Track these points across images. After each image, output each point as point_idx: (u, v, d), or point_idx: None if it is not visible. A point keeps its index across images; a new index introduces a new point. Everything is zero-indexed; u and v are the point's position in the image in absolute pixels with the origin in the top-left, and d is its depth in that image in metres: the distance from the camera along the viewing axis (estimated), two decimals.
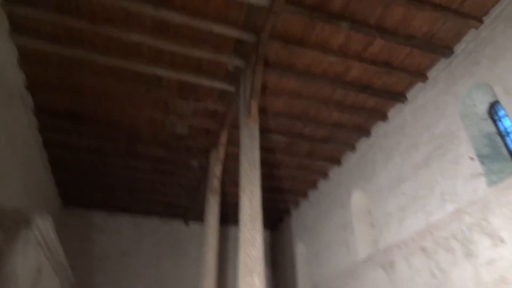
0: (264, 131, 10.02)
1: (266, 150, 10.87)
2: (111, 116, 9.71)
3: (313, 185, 13.32)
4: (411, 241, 8.58)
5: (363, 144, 11.01)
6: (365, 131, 10.66)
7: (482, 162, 7.29)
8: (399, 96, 9.35)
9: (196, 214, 14.47)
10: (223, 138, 10.25)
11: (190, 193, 13.44)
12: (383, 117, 10.02)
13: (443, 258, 7.67)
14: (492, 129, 7.69)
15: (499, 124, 7.64)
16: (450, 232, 7.61)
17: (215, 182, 10.38)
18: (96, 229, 14.33)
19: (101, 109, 9.48)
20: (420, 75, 8.72)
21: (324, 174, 12.70)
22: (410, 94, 9.26)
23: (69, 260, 9.07)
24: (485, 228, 6.90)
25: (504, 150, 7.42)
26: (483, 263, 6.79)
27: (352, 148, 11.33)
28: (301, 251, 14.03)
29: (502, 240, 6.55)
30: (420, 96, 8.95)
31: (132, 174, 12.32)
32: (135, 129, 10.26)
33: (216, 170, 10.41)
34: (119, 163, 11.74)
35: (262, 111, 9.31)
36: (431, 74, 8.66)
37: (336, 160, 12.00)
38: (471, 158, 7.40)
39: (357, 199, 11.16)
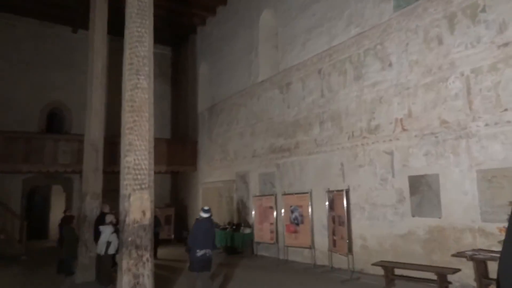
0: None
1: None
2: None
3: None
4: (310, 63, 8.72)
5: None
6: None
7: None
8: None
9: (86, 20, 12.47)
10: None
11: None
12: None
13: (335, 80, 8.05)
14: None
15: None
16: (347, 55, 7.79)
17: None
18: None
19: None
20: None
21: None
22: None
23: None
24: (378, 52, 7.15)
25: None
26: (368, 85, 7.29)
27: None
28: (204, 71, 13.74)
29: (390, 64, 6.91)
30: None
31: None
32: None
33: None
34: None
35: None
36: None
37: None
38: None
39: (266, 19, 10.56)
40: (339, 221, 7.10)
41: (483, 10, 5.57)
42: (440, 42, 6.12)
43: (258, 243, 9.58)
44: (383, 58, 7.06)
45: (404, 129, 6.59)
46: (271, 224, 9.15)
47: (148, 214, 4.30)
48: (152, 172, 4.35)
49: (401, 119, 6.65)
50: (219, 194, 12.15)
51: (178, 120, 15.34)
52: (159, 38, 14.31)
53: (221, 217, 11.59)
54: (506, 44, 5.29)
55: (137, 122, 4.35)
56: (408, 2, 6.90)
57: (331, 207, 7.52)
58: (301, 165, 8.80)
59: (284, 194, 8.94)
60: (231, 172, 11.45)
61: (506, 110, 5.23)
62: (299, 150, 8.90)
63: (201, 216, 5.53)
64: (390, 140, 6.80)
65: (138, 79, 4.83)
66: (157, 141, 12.84)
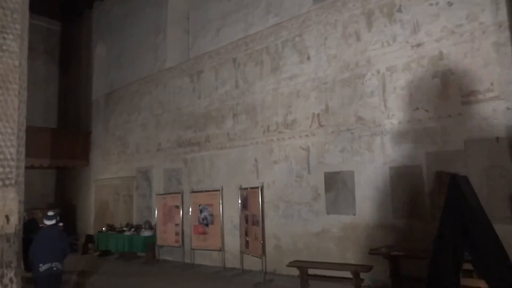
0: None
1: None
2: None
3: None
4: (225, 51, 8.11)
5: None
6: None
7: None
8: None
9: None
10: None
11: None
12: None
13: (251, 70, 7.59)
14: None
15: None
16: (265, 45, 7.39)
17: None
18: None
19: None
20: None
21: None
22: None
23: None
24: (297, 45, 6.89)
25: None
26: (286, 78, 6.99)
27: None
28: (101, 52, 12.03)
29: (308, 57, 6.70)
30: None
31: None
32: None
33: None
34: None
35: None
36: None
37: None
38: None
39: None
40: (253, 220, 6.66)
41: (399, 10, 5.67)
42: (358, 38, 6.09)
43: (161, 246, 8.62)
44: (301, 50, 6.82)
45: (320, 125, 6.43)
46: (177, 225, 8.29)
47: (14, 219, 3.15)
48: (23, 165, 3.22)
49: (318, 115, 6.48)
50: (116, 192, 10.74)
51: (68, 107, 13.25)
52: (45, 9, 12.24)
53: (117, 219, 10.24)
54: (418, 45, 5.43)
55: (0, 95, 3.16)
56: None
57: (244, 205, 7.04)
58: (212, 161, 8.14)
59: (192, 192, 8.17)
60: (131, 167, 10.19)
61: (417, 108, 5.38)
62: (210, 144, 8.22)
63: (45, 224, 4.74)
64: (307, 135, 6.59)
65: (4, 38, 3.57)
66: (39, 130, 11.00)
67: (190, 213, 8.03)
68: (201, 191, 7.96)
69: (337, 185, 6.14)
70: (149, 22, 10.11)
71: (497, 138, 4.67)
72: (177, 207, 8.34)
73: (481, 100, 4.85)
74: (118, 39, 11.28)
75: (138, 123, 10.20)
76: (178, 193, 8.47)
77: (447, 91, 5.14)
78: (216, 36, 8.34)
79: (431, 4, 5.35)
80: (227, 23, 8.13)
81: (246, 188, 7.05)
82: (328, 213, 6.20)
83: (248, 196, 6.92)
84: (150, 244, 8.71)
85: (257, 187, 6.68)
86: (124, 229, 9.54)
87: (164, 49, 9.65)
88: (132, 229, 9.25)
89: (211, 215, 7.61)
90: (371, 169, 5.78)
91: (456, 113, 5.03)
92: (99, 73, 12.03)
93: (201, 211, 7.78)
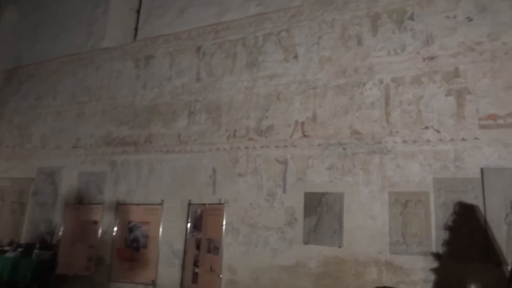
0: None
1: None
2: None
3: None
4: (188, 37, 6.72)
5: None
6: None
7: None
8: None
9: None
10: None
11: None
12: None
13: (220, 62, 6.31)
14: None
15: None
16: (241, 36, 6.23)
17: None
18: None
19: None
20: None
21: None
22: None
23: None
24: (283, 40, 5.88)
25: None
26: (264, 76, 5.87)
27: None
28: (10, 18, 9.46)
29: (296, 56, 5.72)
30: None
31: None
32: None
33: None
34: None
35: None
36: None
37: None
38: None
39: None
40: (209, 247, 5.14)
41: (411, 18, 5.08)
42: (360, 42, 5.33)
43: (62, 276, 6.35)
44: (288, 47, 5.81)
45: (305, 135, 5.37)
46: (91, 247, 6.22)
47: None
48: None
49: (302, 123, 5.43)
50: (0, 197, 8.05)
51: None
52: None
53: None
54: (432, 58, 4.84)
55: None
56: None
57: (196, 226, 5.47)
58: (152, 166, 6.42)
59: (121, 204, 6.28)
60: (31, 166, 7.76)
61: (426, 127, 4.68)
62: (151, 146, 6.53)
63: None
64: (286, 146, 5.46)
65: None
66: None
67: (114, 232, 6.08)
68: (134, 204, 6.13)
69: (320, 208, 5.04)
70: None
71: None
72: (95, 222, 6.29)
73: (502, 125, 4.34)
74: (39, 5, 8.98)
75: (50, 110, 7.93)
76: (99, 204, 6.45)
77: (462, 111, 4.56)
78: (179, 17, 6.92)
79: (448, 17, 4.86)
80: (196, 4, 6.81)
81: (202, 204, 5.52)
82: (305, 242, 5.02)
83: (204, 215, 5.39)
84: (45, 271, 6.37)
85: (222, 204, 5.23)
86: (7, 248, 6.99)
87: (103, 24, 7.81)
88: (20, 249, 6.77)
89: (145, 236, 5.81)
90: (366, 192, 4.84)
91: (472, 137, 4.44)
92: (3, 43, 9.37)
93: (131, 230, 5.91)
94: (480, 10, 4.72)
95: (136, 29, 7.72)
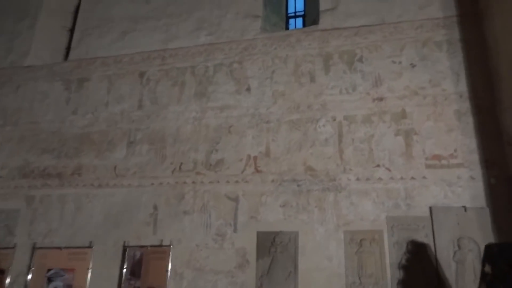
0: None
1: None
2: None
3: None
4: (130, 61, 6.21)
5: None
6: None
7: (265, 6, 6.09)
8: None
9: None
10: None
11: None
12: None
13: (166, 91, 5.89)
14: None
15: None
16: (190, 64, 5.93)
17: None
18: None
19: None
20: None
21: None
22: None
23: None
24: (235, 72, 5.72)
25: (283, 9, 6.58)
26: (215, 107, 5.59)
27: None
28: None
29: (248, 89, 5.57)
30: None
31: None
32: None
33: None
34: None
35: None
36: None
37: None
38: None
39: None
40: None
41: (360, 60, 5.30)
42: (313, 79, 5.39)
43: None
44: (240, 79, 5.65)
45: (258, 170, 5.13)
46: None
47: None
48: None
49: (255, 157, 5.20)
50: None
51: None
52: None
53: None
54: (380, 99, 5.05)
55: None
56: (272, 29, 6.08)
57: (134, 273, 4.75)
58: (80, 203, 5.57)
59: (37, 247, 5.27)
60: None
61: (378, 166, 4.77)
62: (80, 179, 5.71)
63: None
64: (237, 181, 5.14)
65: None
66: None
67: (28, 281, 5.02)
68: (56, 248, 5.17)
69: (274, 249, 4.74)
70: None
71: (465, 208, 4.37)
72: (1, 272, 5.15)
73: (446, 165, 4.60)
74: None
75: None
76: (10, 248, 5.33)
77: (410, 151, 4.75)
78: (120, 40, 6.40)
79: (394, 62, 5.16)
80: (140, 28, 6.38)
81: (142, 247, 4.84)
82: (258, 287, 4.63)
83: (144, 259, 4.71)
84: None
85: (167, 246, 4.63)
86: None
87: (27, 40, 6.91)
88: None
89: (69, 286, 4.87)
90: (321, 231, 4.69)
91: (421, 176, 4.62)
92: None
93: (50, 280, 4.93)
94: (421, 58, 5.11)
95: (67, 48, 6.97)
